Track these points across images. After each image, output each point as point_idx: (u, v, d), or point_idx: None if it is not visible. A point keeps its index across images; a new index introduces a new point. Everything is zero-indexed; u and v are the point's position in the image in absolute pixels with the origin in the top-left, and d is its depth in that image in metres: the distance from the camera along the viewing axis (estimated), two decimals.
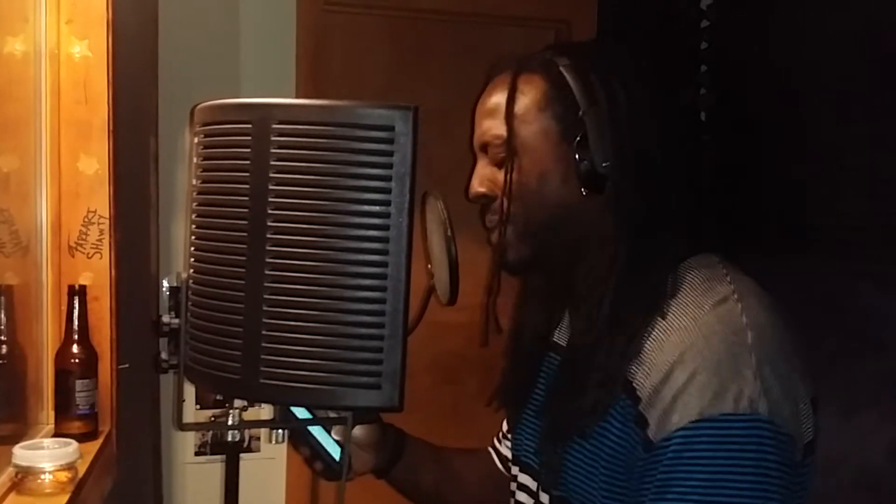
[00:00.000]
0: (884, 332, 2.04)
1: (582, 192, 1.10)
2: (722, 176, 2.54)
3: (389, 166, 0.93)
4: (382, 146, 0.93)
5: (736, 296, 1.05)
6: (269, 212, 0.95)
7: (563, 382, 1.18)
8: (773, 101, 2.38)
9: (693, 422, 0.97)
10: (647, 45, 2.53)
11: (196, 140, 1.03)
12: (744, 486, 0.95)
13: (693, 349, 1.00)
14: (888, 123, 1.99)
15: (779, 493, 0.96)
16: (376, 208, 0.93)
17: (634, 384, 1.04)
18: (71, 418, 1.52)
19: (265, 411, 1.26)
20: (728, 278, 1.08)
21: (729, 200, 2.51)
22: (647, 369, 1.03)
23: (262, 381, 0.96)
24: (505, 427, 1.43)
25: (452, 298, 1.15)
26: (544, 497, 1.19)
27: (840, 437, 2.09)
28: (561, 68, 1.11)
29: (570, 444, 1.12)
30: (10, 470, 1.31)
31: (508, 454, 1.40)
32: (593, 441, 1.08)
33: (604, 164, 1.08)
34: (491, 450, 1.45)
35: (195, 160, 1.03)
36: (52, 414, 1.58)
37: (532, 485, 1.23)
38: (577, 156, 1.09)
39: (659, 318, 1.05)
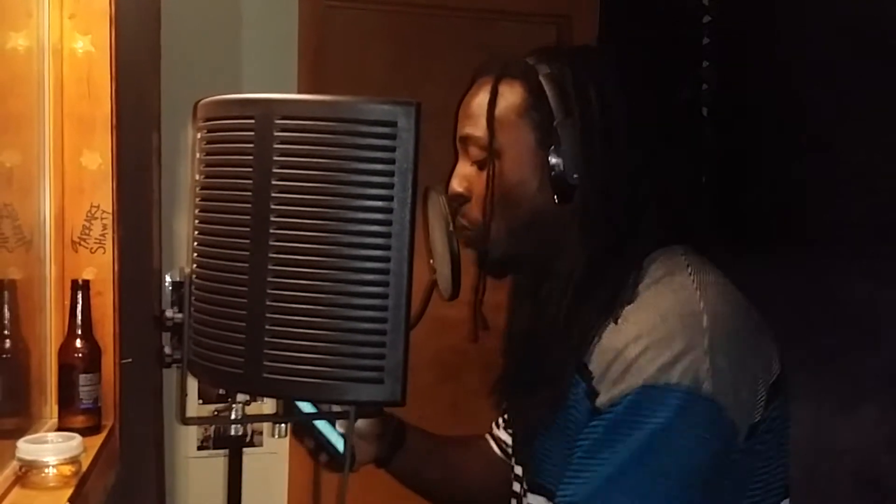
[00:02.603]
0: (882, 327, 2.04)
1: (555, 199, 1.12)
2: (722, 171, 2.55)
3: (392, 161, 0.93)
4: (385, 141, 0.93)
5: (695, 285, 1.08)
6: (272, 207, 0.95)
7: (526, 380, 1.21)
8: (774, 97, 2.38)
9: (638, 387, 1.00)
10: (649, 41, 2.53)
11: (199, 135, 1.03)
12: (673, 456, 0.98)
13: (648, 329, 1.03)
14: (888, 120, 1.99)
15: (703, 472, 1.00)
16: (378, 203, 0.94)
17: (590, 366, 1.07)
18: (74, 412, 1.53)
19: (268, 405, 1.27)
20: (689, 269, 1.11)
21: (729, 196, 2.51)
22: (602, 350, 1.06)
23: (265, 375, 0.97)
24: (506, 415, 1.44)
25: (454, 293, 1.16)
26: (529, 483, 1.22)
27: (840, 432, 2.10)
28: (541, 77, 1.13)
29: (541, 436, 1.14)
30: (14, 464, 1.32)
31: (507, 439, 1.42)
32: (560, 431, 1.11)
33: (574, 175, 1.10)
34: (489, 436, 1.47)
35: (198, 155, 1.04)
36: (55, 408, 1.58)
37: (519, 471, 1.26)
38: (550, 164, 1.11)
39: (614, 319, 1.07)
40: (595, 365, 1.06)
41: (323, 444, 1.29)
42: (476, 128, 1.16)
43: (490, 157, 1.14)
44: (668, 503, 0.98)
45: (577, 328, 1.09)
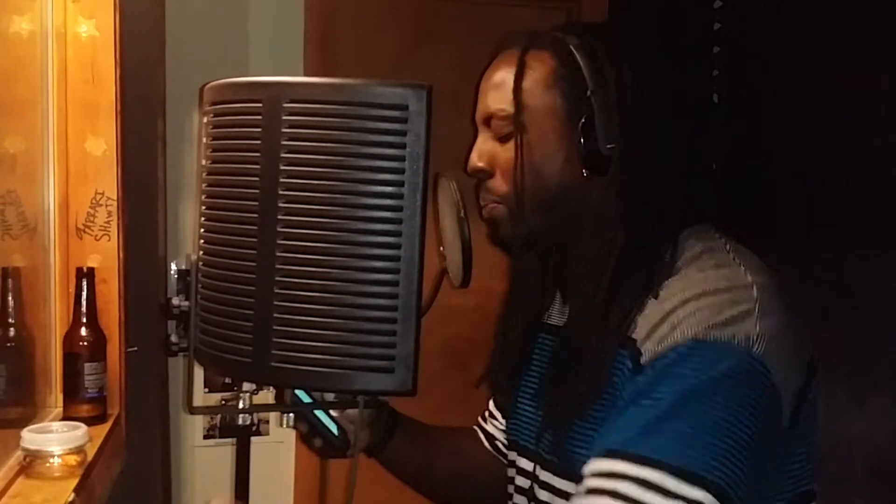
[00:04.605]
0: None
1: (583, 173, 1.09)
2: (734, 159, 2.52)
3: (402, 146, 0.92)
4: (395, 125, 0.91)
5: (738, 261, 1.06)
6: (280, 192, 0.93)
7: (558, 367, 1.18)
8: (787, 84, 2.36)
9: (689, 341, 0.97)
10: (659, 26, 2.51)
11: (206, 119, 1.02)
12: (718, 409, 0.95)
13: (697, 295, 1.00)
14: None
15: (750, 431, 0.95)
16: (389, 189, 0.92)
17: (633, 335, 1.03)
18: (79, 401, 1.52)
19: (274, 394, 1.25)
20: (727, 246, 1.09)
21: (741, 184, 2.49)
22: (647, 316, 1.03)
23: (273, 364, 0.95)
24: (492, 406, 1.43)
25: (465, 280, 1.14)
26: (544, 475, 1.18)
27: (852, 422, 2.08)
28: (571, 47, 1.10)
29: (577, 426, 1.10)
30: (19, 454, 1.31)
31: (495, 433, 1.40)
32: (602, 415, 1.06)
33: (608, 147, 1.07)
34: (477, 428, 1.45)
35: (205, 140, 1.02)
36: (60, 397, 1.58)
37: (529, 467, 1.22)
38: (581, 136, 1.08)
39: (653, 295, 1.04)
40: (639, 331, 1.03)
41: (317, 428, 1.28)
42: (501, 100, 1.12)
43: (517, 130, 1.11)
44: (711, 454, 0.94)
45: (616, 311, 1.06)
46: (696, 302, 1.00)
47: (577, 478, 1.11)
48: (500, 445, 1.39)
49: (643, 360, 1.00)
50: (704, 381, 0.95)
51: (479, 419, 1.45)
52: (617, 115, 1.07)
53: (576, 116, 1.09)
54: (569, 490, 1.12)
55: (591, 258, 1.10)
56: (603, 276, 1.08)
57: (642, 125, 1.08)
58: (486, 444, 1.43)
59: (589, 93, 1.08)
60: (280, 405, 1.22)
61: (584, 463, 1.08)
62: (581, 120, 1.08)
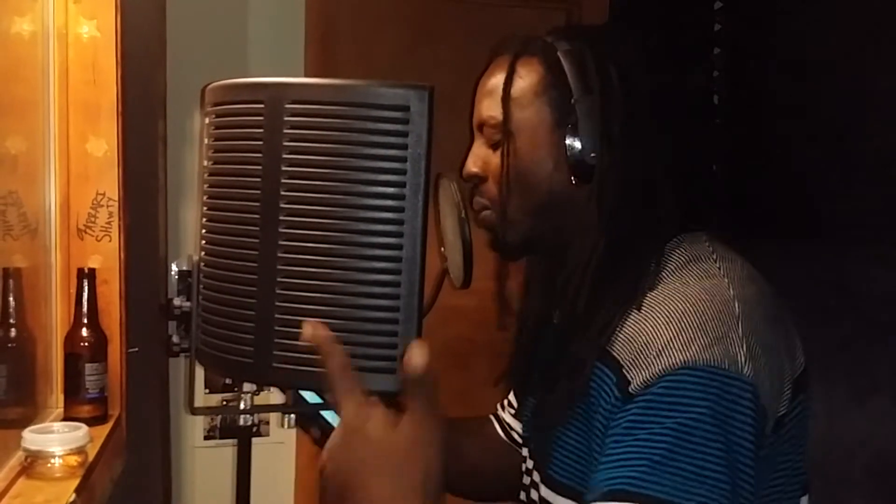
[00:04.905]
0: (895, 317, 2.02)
1: (572, 180, 1.09)
2: (735, 160, 2.53)
3: (404, 147, 0.92)
4: (397, 126, 0.91)
5: (722, 272, 1.05)
6: (282, 193, 0.93)
7: (545, 371, 1.19)
8: (787, 85, 2.36)
9: (678, 368, 0.95)
10: (660, 27, 2.51)
11: (207, 120, 1.01)
12: (718, 442, 0.93)
13: (679, 315, 0.99)
14: None
15: (748, 458, 0.95)
16: (391, 189, 0.92)
17: (615, 353, 1.03)
18: (80, 402, 1.52)
19: (275, 395, 1.26)
20: (714, 256, 1.08)
21: (742, 184, 2.49)
22: (629, 336, 1.02)
23: (274, 364, 0.95)
24: (511, 396, 1.43)
25: (466, 281, 1.14)
26: (537, 476, 1.19)
27: (853, 422, 2.08)
28: (559, 54, 1.10)
29: (560, 431, 1.11)
30: (20, 454, 1.31)
31: (512, 422, 1.41)
32: (582, 424, 1.07)
33: (592, 155, 1.07)
34: (493, 417, 1.45)
35: (206, 141, 1.02)
36: (61, 398, 1.58)
37: (530, 464, 1.24)
38: (566, 144, 1.08)
39: (636, 306, 1.03)
40: (622, 352, 1.02)
41: (329, 433, 1.28)
42: (492, 108, 1.13)
43: (504, 138, 1.11)
44: (719, 486, 0.93)
45: (599, 318, 1.06)
46: (678, 322, 0.98)
47: (552, 482, 1.13)
48: (516, 436, 1.39)
49: (632, 388, 0.99)
50: (701, 412, 0.94)
51: (498, 406, 1.45)
52: (600, 124, 1.07)
53: (563, 124, 1.09)
54: (547, 496, 1.14)
55: (575, 265, 1.11)
56: (584, 283, 1.08)
57: (628, 133, 1.08)
58: (500, 433, 1.43)
59: (573, 101, 1.08)
60: (281, 405, 1.23)
61: (559, 468, 1.10)
62: (567, 128, 1.08)
